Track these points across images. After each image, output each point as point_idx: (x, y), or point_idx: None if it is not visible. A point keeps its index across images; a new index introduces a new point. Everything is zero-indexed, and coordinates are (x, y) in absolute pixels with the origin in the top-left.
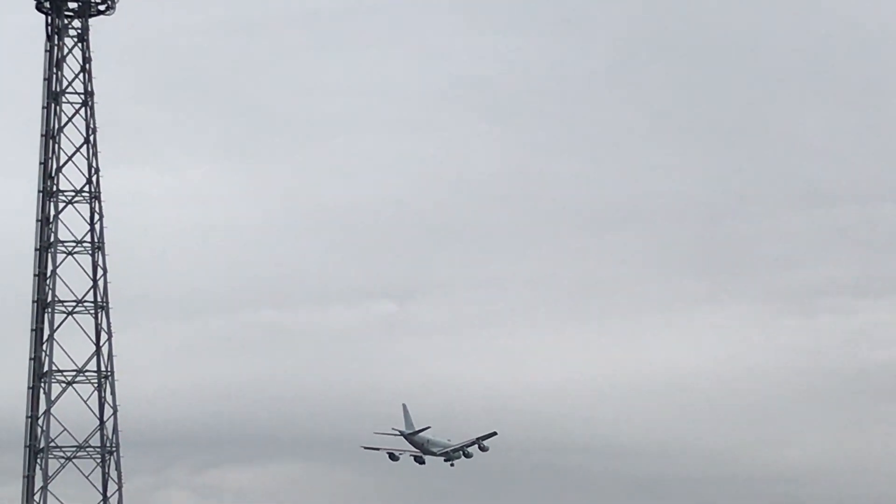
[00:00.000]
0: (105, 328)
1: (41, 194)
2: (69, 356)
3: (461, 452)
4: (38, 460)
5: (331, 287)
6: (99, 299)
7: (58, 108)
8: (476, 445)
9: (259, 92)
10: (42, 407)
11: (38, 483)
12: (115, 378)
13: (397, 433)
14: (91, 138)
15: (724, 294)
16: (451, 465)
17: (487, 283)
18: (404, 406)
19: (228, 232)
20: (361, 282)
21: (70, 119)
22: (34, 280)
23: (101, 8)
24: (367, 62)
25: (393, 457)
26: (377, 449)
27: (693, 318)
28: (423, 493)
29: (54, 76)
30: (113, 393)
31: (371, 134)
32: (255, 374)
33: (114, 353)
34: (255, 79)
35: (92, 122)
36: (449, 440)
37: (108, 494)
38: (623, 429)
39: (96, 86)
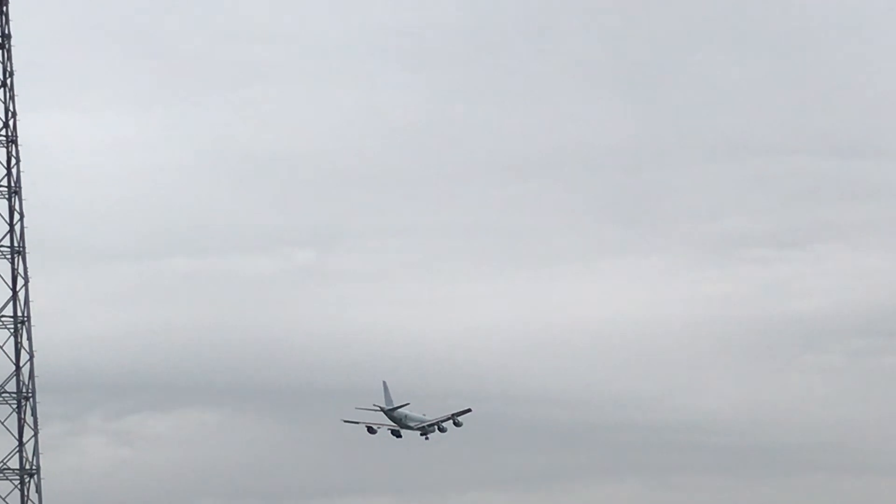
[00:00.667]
0: (22, 273)
1: None
2: None
3: (436, 427)
4: None
5: (250, 235)
6: (16, 244)
7: None
8: (451, 420)
9: (179, 38)
10: None
11: None
12: (32, 323)
13: (377, 409)
14: (8, 82)
15: (642, 244)
16: (426, 438)
17: (408, 231)
18: (384, 383)
19: (147, 178)
20: (282, 230)
21: None
22: None
23: None
24: (287, 9)
25: (371, 430)
26: (357, 423)
27: (612, 267)
28: (337, 445)
29: None
30: (29, 338)
31: (292, 82)
32: (173, 321)
33: (30, 298)
34: (174, 25)
35: (9, 65)
36: (424, 415)
37: (24, 440)
38: (542, 376)
39: (14, 29)
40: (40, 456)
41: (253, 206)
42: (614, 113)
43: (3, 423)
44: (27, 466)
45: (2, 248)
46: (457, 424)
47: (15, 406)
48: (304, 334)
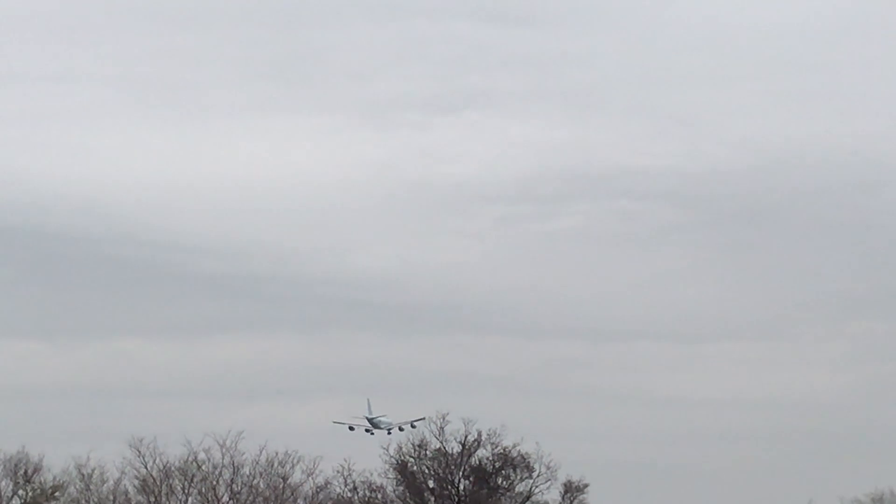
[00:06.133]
0: None
1: None
2: None
3: (398, 427)
4: None
5: None
6: None
7: None
8: (410, 425)
9: None
10: None
11: None
12: None
13: (362, 417)
14: None
15: (300, 103)
16: (389, 433)
17: (64, 76)
18: (368, 400)
19: None
20: None
21: None
22: None
23: None
24: None
25: (351, 428)
26: (343, 423)
27: (268, 124)
28: None
29: None
30: None
31: None
32: None
33: None
34: None
35: None
36: (391, 422)
37: None
38: (196, 227)
39: None
40: None
41: None
42: None
43: None
44: None
45: None
46: (413, 427)
47: None
48: None
